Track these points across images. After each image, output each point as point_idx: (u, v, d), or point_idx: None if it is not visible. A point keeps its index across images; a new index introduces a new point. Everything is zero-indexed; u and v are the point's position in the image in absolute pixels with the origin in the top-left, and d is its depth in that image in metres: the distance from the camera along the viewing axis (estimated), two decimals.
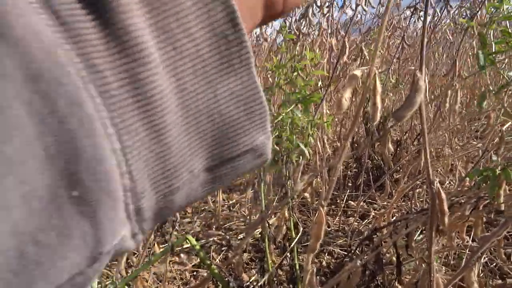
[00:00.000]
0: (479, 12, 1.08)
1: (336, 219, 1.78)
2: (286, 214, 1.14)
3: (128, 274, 0.90)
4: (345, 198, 1.93)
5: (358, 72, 0.39)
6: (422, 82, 0.55)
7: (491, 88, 0.67)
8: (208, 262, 0.82)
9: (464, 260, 1.40)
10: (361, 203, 1.96)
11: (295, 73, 1.05)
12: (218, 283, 0.85)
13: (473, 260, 0.71)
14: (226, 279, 0.82)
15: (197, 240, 1.70)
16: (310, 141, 1.00)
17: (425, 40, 0.58)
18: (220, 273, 0.83)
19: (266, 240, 0.97)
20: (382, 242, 0.84)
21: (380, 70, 1.85)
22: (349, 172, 2.27)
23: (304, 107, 1.02)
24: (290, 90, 0.97)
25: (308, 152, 0.97)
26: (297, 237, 1.03)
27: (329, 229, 1.74)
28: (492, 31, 0.69)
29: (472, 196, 0.94)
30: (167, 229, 0.75)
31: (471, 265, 0.72)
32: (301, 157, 1.00)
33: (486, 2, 0.94)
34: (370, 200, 1.96)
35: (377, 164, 2.03)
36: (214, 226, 1.80)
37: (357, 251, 0.93)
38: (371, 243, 0.87)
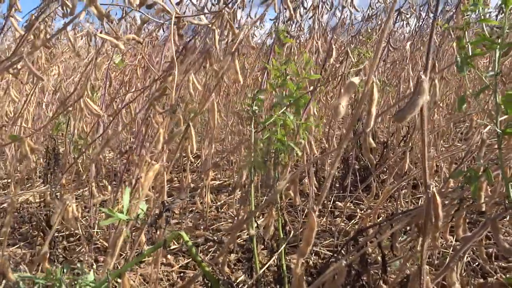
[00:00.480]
0: (455, 16, 1.11)
1: (323, 219, 1.80)
2: (274, 214, 1.15)
3: (118, 269, 0.89)
4: (332, 199, 1.94)
5: (356, 80, 0.40)
6: (426, 85, 0.56)
7: (471, 91, 0.69)
8: (199, 259, 0.82)
9: (447, 260, 1.42)
10: (348, 204, 1.98)
11: (287, 76, 1.05)
12: (206, 283, 0.85)
13: (455, 260, 0.73)
14: (216, 277, 0.82)
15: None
16: (300, 142, 1.01)
17: (432, 43, 0.58)
18: (211, 271, 0.83)
19: (254, 240, 0.98)
20: (367, 243, 0.85)
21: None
22: (336, 173, 2.29)
23: (296, 109, 1.03)
24: (282, 93, 0.97)
25: (297, 154, 0.98)
26: (287, 238, 1.04)
27: (316, 229, 1.75)
28: (468, 33, 0.71)
29: (455, 197, 0.96)
30: (160, 225, 0.75)
31: (452, 265, 0.74)
32: (288, 159, 1.01)
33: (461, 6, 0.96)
34: (357, 201, 1.98)
35: (364, 165, 2.05)
36: (202, 227, 1.80)
37: (342, 252, 0.94)
38: (357, 244, 0.88)
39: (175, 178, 2.29)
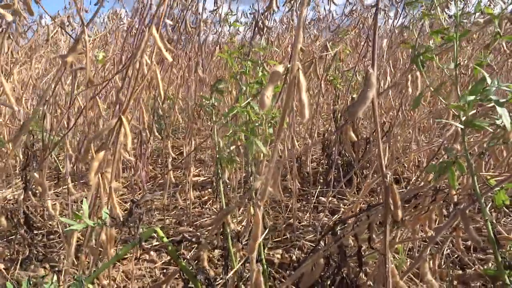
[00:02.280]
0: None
1: (307, 215, 1.81)
2: (252, 210, 1.15)
3: (94, 271, 0.88)
4: (316, 194, 1.95)
5: (280, 68, 0.40)
6: (374, 79, 0.57)
7: (431, 88, 0.70)
8: (176, 255, 0.82)
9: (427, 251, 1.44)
10: (332, 199, 2.00)
11: (261, 68, 1.05)
12: (183, 279, 0.84)
13: (426, 252, 0.74)
14: (194, 273, 0.82)
15: (168, 237, 1.69)
16: (270, 136, 1.00)
17: (377, 37, 0.60)
18: (189, 266, 0.83)
19: (229, 237, 0.97)
20: (344, 234, 0.86)
21: (346, 69, 1.88)
22: (320, 168, 2.30)
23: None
24: (247, 82, 0.97)
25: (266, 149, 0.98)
26: (265, 233, 1.04)
27: (300, 224, 1.76)
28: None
29: (431, 189, 0.98)
30: (134, 223, 0.74)
31: (425, 256, 0.75)
32: (262, 154, 1.01)
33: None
34: (340, 196, 1.99)
35: (347, 160, 2.07)
36: (185, 223, 1.79)
37: (320, 244, 0.95)
38: (334, 236, 0.89)
39: (159, 175, 2.27)
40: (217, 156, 1.06)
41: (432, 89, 0.70)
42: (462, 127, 0.64)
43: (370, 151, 1.94)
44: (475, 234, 0.70)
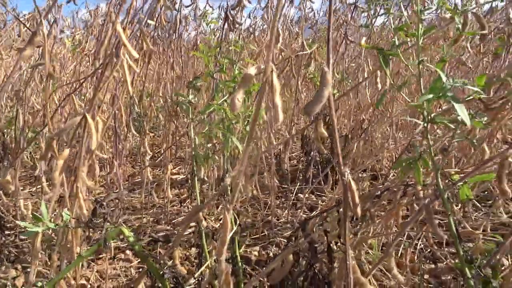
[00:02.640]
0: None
1: (285, 211, 1.82)
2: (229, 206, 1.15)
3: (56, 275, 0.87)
4: (295, 191, 1.96)
5: (252, 71, 0.39)
6: (330, 77, 0.57)
7: (393, 86, 0.71)
8: (144, 254, 0.81)
9: (401, 246, 1.46)
10: (311, 196, 2.01)
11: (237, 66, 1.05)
12: (151, 278, 0.83)
13: (392, 247, 0.75)
14: (161, 271, 0.81)
15: (144, 235, 1.67)
16: (246, 133, 1.00)
17: (331, 35, 0.60)
18: (163, 266, 0.82)
19: (203, 234, 0.97)
20: (314, 230, 0.87)
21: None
22: (300, 165, 2.31)
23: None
24: (223, 79, 0.96)
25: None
26: (234, 230, 1.04)
27: (278, 221, 1.77)
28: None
29: (400, 185, 0.99)
30: (99, 223, 0.73)
31: (391, 251, 0.76)
32: (239, 151, 1.01)
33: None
34: (318, 193, 2.01)
35: (326, 158, 2.08)
36: (163, 222, 1.77)
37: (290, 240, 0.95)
38: (304, 232, 0.90)
39: (138, 173, 2.25)
40: (193, 153, 1.06)
41: (396, 87, 0.71)
42: (424, 123, 0.65)
43: (350, 148, 1.96)
44: (439, 229, 0.71)
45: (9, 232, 1.55)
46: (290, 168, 2.39)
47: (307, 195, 1.95)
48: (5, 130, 1.69)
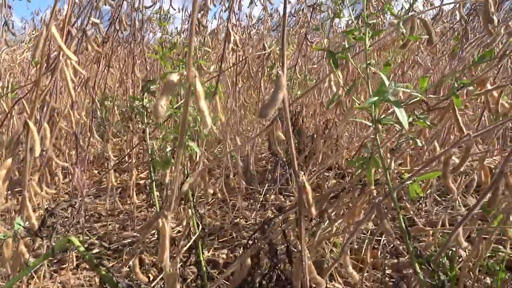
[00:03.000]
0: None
1: (254, 213, 1.82)
2: (190, 212, 1.14)
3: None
4: (263, 192, 1.97)
5: (174, 77, 0.39)
6: (284, 80, 0.58)
7: (343, 88, 0.73)
8: (95, 263, 0.79)
9: (366, 243, 1.50)
10: (279, 196, 2.03)
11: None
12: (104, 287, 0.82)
13: (347, 246, 0.77)
14: (116, 280, 0.80)
15: (110, 243, 1.64)
16: (205, 136, 1.00)
17: (285, 41, 0.61)
18: (110, 274, 0.81)
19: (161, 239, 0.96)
20: (272, 232, 0.88)
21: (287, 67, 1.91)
22: (269, 166, 2.33)
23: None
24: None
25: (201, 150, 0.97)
26: (197, 234, 1.03)
27: (247, 223, 1.77)
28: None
29: (356, 184, 1.01)
30: (48, 233, 0.71)
31: (346, 249, 0.78)
32: (197, 156, 1.00)
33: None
34: (287, 193, 2.03)
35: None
36: (129, 228, 1.74)
37: (249, 242, 0.96)
38: (263, 234, 0.90)
39: (104, 179, 2.20)
40: (150, 159, 1.04)
41: (346, 89, 0.73)
42: (370, 124, 0.67)
43: (316, 147, 1.99)
44: (388, 226, 0.73)
45: None
46: (260, 169, 2.41)
47: (276, 196, 1.97)
48: None
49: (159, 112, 0.37)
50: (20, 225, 0.70)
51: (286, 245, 0.89)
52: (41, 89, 0.74)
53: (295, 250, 0.95)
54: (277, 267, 1.04)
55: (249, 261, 0.82)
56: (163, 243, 0.50)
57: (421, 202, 1.71)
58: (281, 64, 0.61)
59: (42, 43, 0.60)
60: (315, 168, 2.25)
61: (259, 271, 0.98)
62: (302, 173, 0.63)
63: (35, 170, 1.06)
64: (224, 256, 1.54)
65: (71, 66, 0.73)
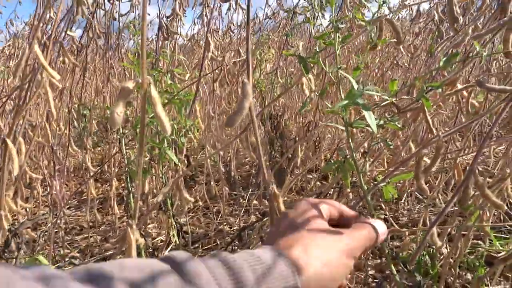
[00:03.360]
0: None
1: (238, 218, 1.81)
2: (171, 221, 1.13)
3: None
4: (247, 197, 1.97)
5: (130, 84, 0.38)
6: (250, 89, 0.58)
7: (316, 93, 0.73)
8: None
9: None
10: (264, 201, 2.02)
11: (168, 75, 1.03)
12: None
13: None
14: None
15: (91, 256, 1.61)
16: (182, 145, 0.99)
17: (250, 48, 0.61)
18: None
19: (142, 250, 0.95)
20: (250, 239, 0.87)
21: (268, 71, 1.92)
22: (253, 171, 2.32)
23: (178, 108, 1.01)
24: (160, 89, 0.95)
25: (179, 159, 0.96)
26: (177, 243, 1.02)
27: (231, 229, 1.76)
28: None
29: (334, 186, 1.02)
30: (13, 251, 0.69)
31: None
32: (179, 164, 0.99)
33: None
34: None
35: (278, 161, 2.11)
36: (112, 240, 1.71)
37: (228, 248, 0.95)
38: (240, 241, 0.90)
39: (85, 190, 2.16)
40: (127, 169, 1.03)
41: (317, 93, 0.73)
42: (342, 127, 0.67)
43: (297, 150, 1.99)
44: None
45: None
46: (244, 173, 2.40)
47: (260, 200, 1.96)
48: None
49: (115, 119, 0.36)
50: None
51: None
52: (19, 105, 0.73)
53: None
54: None
55: None
56: (129, 253, 0.49)
57: (402, 201, 1.73)
58: (246, 73, 0.61)
59: (24, 62, 0.59)
60: (298, 171, 2.25)
61: None
62: (273, 181, 0.63)
63: (9, 186, 1.04)
64: None
65: (48, 79, 0.71)
